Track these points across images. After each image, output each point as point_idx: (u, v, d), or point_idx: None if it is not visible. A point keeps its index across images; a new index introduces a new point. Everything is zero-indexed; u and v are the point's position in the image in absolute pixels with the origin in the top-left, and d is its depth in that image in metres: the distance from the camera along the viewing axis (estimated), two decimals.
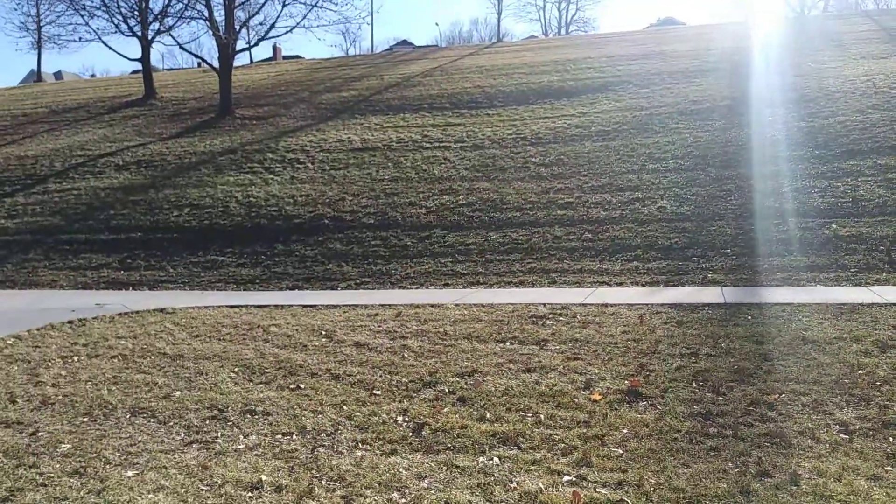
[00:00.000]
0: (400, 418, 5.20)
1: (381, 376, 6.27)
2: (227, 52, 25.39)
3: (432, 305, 9.23)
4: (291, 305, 9.93)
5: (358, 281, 12.00)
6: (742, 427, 4.74)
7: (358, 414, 5.32)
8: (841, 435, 4.56)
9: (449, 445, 4.65)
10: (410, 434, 4.88)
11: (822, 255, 10.42)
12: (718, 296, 8.93)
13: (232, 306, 10.04)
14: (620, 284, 10.32)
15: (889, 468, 4.07)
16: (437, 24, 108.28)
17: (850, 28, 27.85)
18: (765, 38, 27.53)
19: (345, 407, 5.50)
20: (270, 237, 14.57)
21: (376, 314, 8.87)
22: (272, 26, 27.06)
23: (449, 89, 25.00)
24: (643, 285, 10.16)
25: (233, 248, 14.31)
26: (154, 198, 17.49)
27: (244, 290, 12.19)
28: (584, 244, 12.25)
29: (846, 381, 5.48)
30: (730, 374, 5.79)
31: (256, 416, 5.42)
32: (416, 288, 11.16)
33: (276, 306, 9.92)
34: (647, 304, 8.58)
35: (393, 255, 13.04)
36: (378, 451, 4.61)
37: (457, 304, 9.18)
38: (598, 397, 5.43)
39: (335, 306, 9.64)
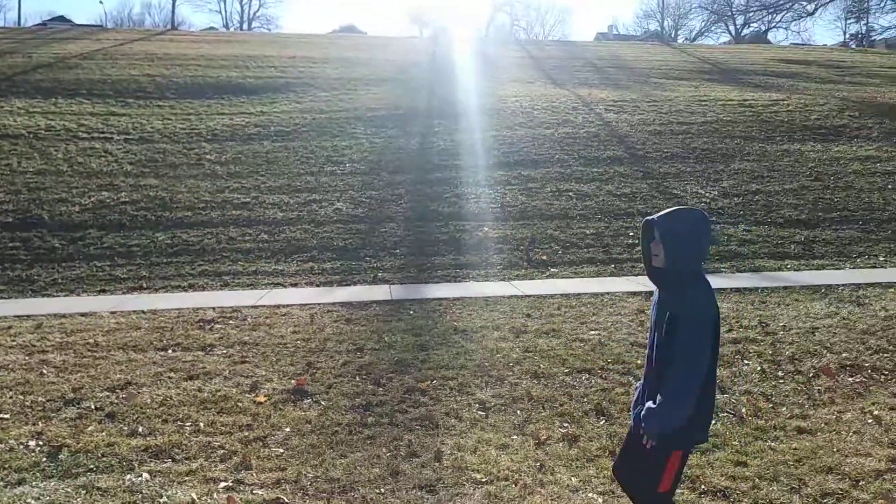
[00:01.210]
0: (32, 443, 4.54)
1: (10, 397, 5.42)
2: None
3: (82, 314, 8.26)
4: None
5: None
6: (397, 414, 5.05)
7: None
8: (479, 412, 5.11)
9: (91, 467, 4.19)
10: (45, 459, 4.29)
11: (475, 255, 11.64)
12: (386, 293, 9.45)
13: None
14: (295, 285, 10.35)
15: (515, 437, 4.67)
16: (101, 2, 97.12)
17: (506, 53, 31.75)
18: (437, 55, 30.02)
19: None
20: None
21: (10, 327, 7.65)
22: None
23: (113, 75, 22.71)
24: (317, 286, 10.32)
25: None
26: None
27: None
28: (259, 245, 12.03)
29: (487, 364, 6.18)
30: (390, 366, 6.14)
31: None
32: (65, 296, 9.90)
33: None
34: (319, 304, 8.72)
35: (36, 258, 11.39)
36: (1, 483, 3.96)
37: (112, 312, 8.34)
38: (262, 399, 5.35)
39: None
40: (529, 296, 9.10)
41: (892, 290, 9.17)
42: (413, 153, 16.54)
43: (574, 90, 22.69)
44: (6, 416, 5.02)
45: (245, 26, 66.43)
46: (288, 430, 4.75)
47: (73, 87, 21.19)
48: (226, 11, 70.30)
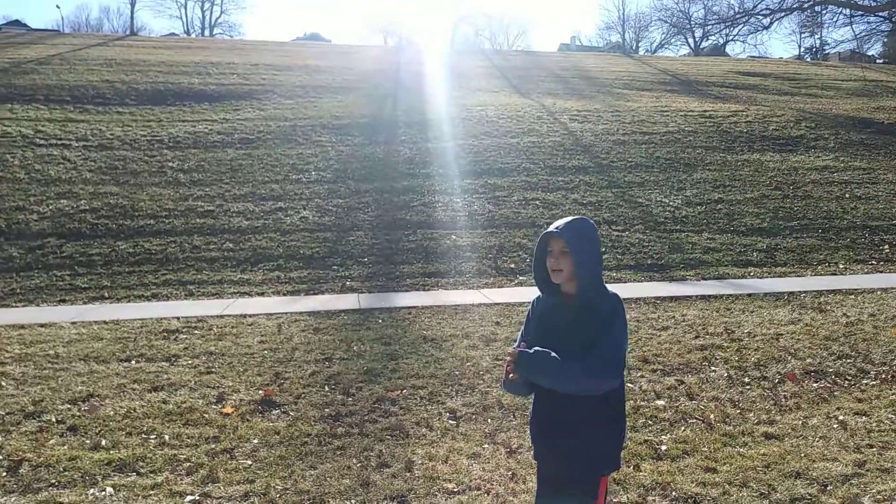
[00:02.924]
0: None
1: None
2: None
3: (42, 325, 8.03)
4: None
5: None
6: (367, 424, 5.00)
7: None
8: (450, 421, 5.09)
9: (53, 482, 4.06)
10: (4, 474, 4.15)
11: (443, 263, 11.63)
12: (355, 302, 9.38)
13: None
14: (262, 294, 10.21)
15: (486, 445, 4.66)
16: (58, 7, 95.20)
17: (471, 63, 31.90)
18: (402, 63, 30.03)
19: None
20: None
21: None
22: None
23: (71, 81, 22.24)
24: (284, 294, 10.20)
25: None
26: None
27: None
28: (224, 254, 11.86)
29: (457, 372, 6.16)
30: (360, 376, 6.09)
31: None
32: (24, 306, 9.61)
33: None
34: (286, 313, 8.62)
35: None
36: None
37: (73, 323, 8.13)
38: (230, 410, 5.26)
39: None
40: (498, 304, 9.12)
41: (853, 296, 9.41)
42: (379, 161, 16.50)
43: (539, 100, 22.91)
44: None
45: (206, 32, 65.69)
46: (256, 441, 4.67)
47: (29, 93, 20.69)
48: (187, 17, 69.33)
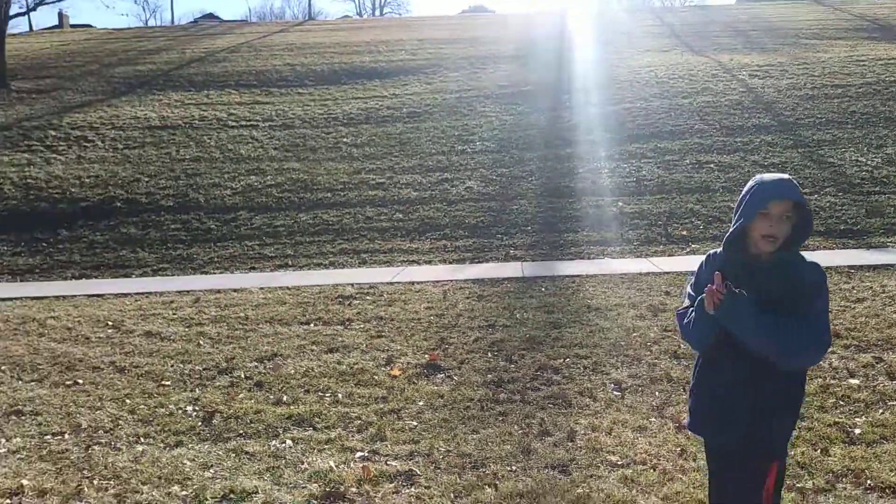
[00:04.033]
0: (189, 408, 4.90)
1: (172, 366, 5.88)
2: None
3: (235, 290, 8.83)
4: (75, 296, 9.03)
5: (155, 267, 11.17)
6: (529, 391, 4.99)
7: (142, 407, 4.94)
8: (615, 392, 4.95)
9: (241, 432, 4.45)
10: (199, 424, 4.61)
11: (609, 231, 11.30)
12: (518, 270, 9.38)
13: (3, 299, 8.94)
14: (429, 262, 10.51)
15: (653, 419, 4.47)
16: None
17: (638, 23, 30.44)
18: (566, 29, 29.31)
19: (128, 401, 5.08)
20: (53, 222, 13.15)
21: (172, 301, 8.32)
22: None
23: (258, 66, 24.03)
24: (450, 263, 10.43)
25: (7, 235, 12.74)
26: None
27: (21, 280, 10.90)
28: (394, 224, 12.33)
29: (622, 343, 5.97)
30: (522, 343, 6.09)
31: (23, 417, 4.85)
32: (220, 273, 10.62)
33: (57, 297, 8.97)
34: (451, 281, 8.81)
35: (195, 239, 12.31)
36: (161, 445, 4.30)
37: (261, 288, 8.85)
38: (397, 373, 5.47)
39: (126, 295, 8.91)
40: (668, 273, 8.71)
41: None
42: (543, 129, 16.28)
43: (714, 56, 21.39)
44: (168, 384, 5.45)
45: (377, 13, 68.06)
46: (421, 403, 4.83)
47: (222, 79, 22.63)
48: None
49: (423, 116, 17.92)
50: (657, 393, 4.91)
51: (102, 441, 4.39)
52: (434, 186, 13.76)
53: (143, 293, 8.97)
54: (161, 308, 7.97)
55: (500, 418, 4.54)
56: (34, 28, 42.46)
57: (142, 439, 4.39)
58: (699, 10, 38.36)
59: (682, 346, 5.79)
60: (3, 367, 5.96)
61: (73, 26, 46.09)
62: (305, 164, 15.31)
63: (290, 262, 11.00)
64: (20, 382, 5.61)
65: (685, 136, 14.90)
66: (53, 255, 11.96)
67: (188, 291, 8.92)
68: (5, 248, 12.30)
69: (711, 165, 13.39)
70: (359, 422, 4.54)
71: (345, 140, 16.64)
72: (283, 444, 4.23)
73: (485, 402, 4.80)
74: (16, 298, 8.98)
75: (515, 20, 32.91)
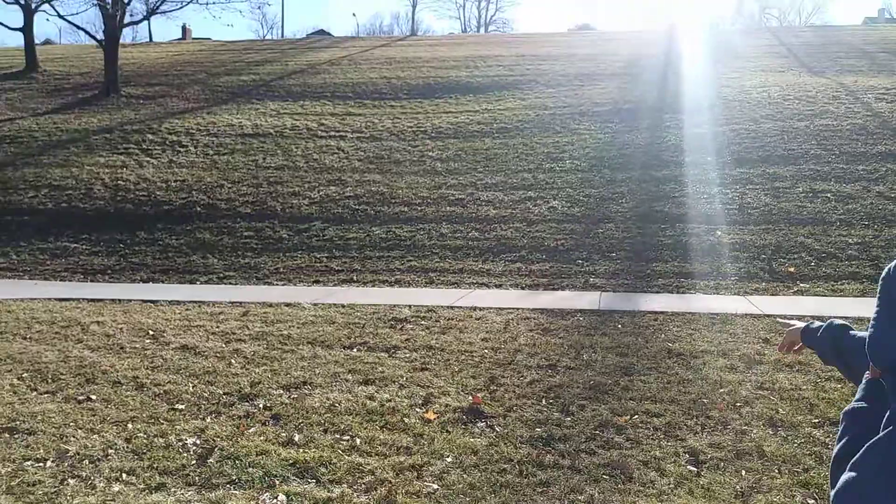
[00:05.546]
0: (190, 441, 4.34)
1: (194, 386, 5.37)
2: (113, 24, 23.56)
3: (287, 304, 8.34)
4: (130, 300, 8.82)
5: (221, 275, 10.94)
6: (583, 455, 4.13)
7: (141, 435, 4.42)
8: (689, 467, 4.00)
9: (233, 478, 3.83)
10: (193, 462, 4.03)
11: (704, 262, 10.15)
12: (595, 301, 8.44)
13: (61, 299, 8.84)
14: (499, 286, 9.72)
15: None
16: (354, 15, 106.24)
17: (753, 42, 28.56)
18: (672, 47, 27.86)
19: (130, 425, 4.58)
20: (134, 224, 13.26)
21: (220, 313, 7.92)
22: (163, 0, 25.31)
23: (355, 79, 24.04)
24: (523, 288, 9.60)
25: (89, 235, 12.93)
26: (10, 177, 15.77)
27: (92, 281, 10.92)
28: (469, 243, 11.62)
29: (705, 400, 4.98)
30: (584, 391, 5.21)
31: (15, 436, 4.43)
32: (283, 284, 10.23)
33: (113, 300, 8.79)
34: (517, 309, 7.98)
35: (266, 247, 12.04)
36: (141, 486, 3.74)
37: (315, 304, 8.32)
38: (432, 416, 4.73)
39: (178, 302, 8.61)
40: (770, 315, 7.55)
41: None
42: (639, 149, 15.17)
43: (835, 78, 19.54)
44: (181, 407, 4.93)
45: (482, 30, 68.02)
46: (449, 459, 4.06)
47: (319, 91, 22.75)
48: (464, 17, 72.75)
49: (512, 132, 17.18)
50: (744, 472, 3.93)
51: (82, 474, 3.87)
52: (515, 205, 12.97)
53: (196, 301, 8.64)
54: (206, 319, 7.57)
55: (541, 489, 3.71)
56: (152, 38, 44.81)
57: (124, 476, 3.84)
58: (821, 30, 35.74)
59: (780, 410, 4.74)
60: (24, 375, 5.64)
61: (195, 39, 48.42)
62: (387, 177, 14.88)
63: (355, 277, 10.49)
64: (34, 394, 5.24)
65: (799, 162, 13.44)
66: (128, 256, 11.98)
67: (240, 303, 8.51)
68: (85, 247, 12.46)
69: (828, 195, 11.94)
70: (370, 478, 3.82)
71: (430, 154, 16.13)
72: (275, 500, 3.57)
73: (526, 466, 3.98)
74: (73, 299, 8.86)
75: (620, 37, 31.67)
